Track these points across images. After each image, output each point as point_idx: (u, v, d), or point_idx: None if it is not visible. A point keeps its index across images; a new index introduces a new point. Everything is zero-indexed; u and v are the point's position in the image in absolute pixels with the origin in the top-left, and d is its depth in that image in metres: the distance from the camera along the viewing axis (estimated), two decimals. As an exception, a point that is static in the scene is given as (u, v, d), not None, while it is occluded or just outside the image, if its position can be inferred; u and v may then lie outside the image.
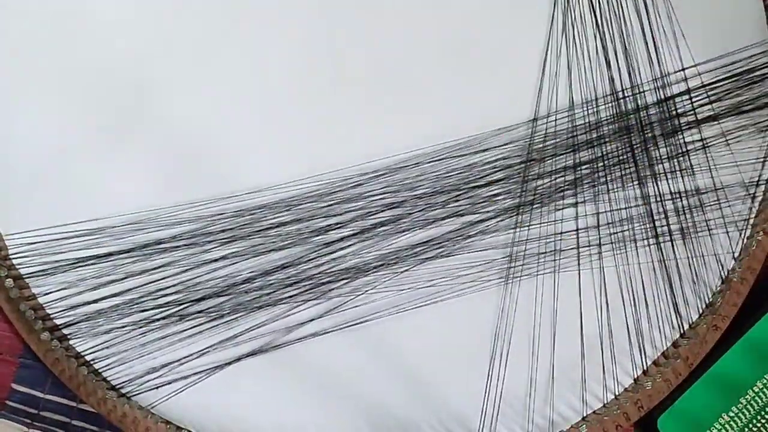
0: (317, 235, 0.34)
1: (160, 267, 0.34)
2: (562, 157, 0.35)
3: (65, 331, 0.34)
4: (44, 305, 0.34)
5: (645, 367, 0.35)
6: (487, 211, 0.35)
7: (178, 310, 0.34)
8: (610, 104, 0.35)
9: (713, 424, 0.34)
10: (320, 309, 0.34)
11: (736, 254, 0.36)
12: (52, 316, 0.34)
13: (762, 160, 0.36)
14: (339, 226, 0.34)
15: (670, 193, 0.35)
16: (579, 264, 0.35)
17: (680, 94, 0.36)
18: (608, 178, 0.35)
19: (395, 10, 0.36)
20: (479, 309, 0.34)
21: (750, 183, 0.36)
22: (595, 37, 0.36)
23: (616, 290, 0.35)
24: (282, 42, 0.35)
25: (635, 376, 0.35)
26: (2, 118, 0.35)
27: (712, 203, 0.36)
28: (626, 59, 0.35)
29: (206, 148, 0.35)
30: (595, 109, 0.35)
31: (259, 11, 0.35)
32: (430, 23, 0.36)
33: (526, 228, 0.35)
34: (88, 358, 0.34)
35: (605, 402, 0.34)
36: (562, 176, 0.35)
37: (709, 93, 0.36)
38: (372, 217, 0.35)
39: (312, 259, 0.34)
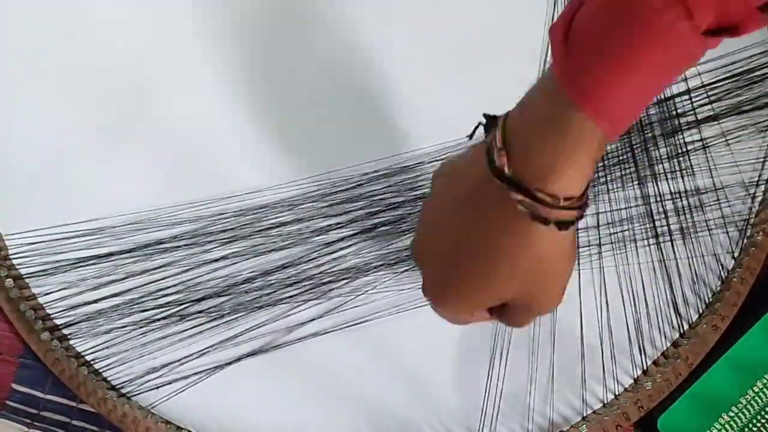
0: (317, 235, 0.34)
1: (160, 267, 0.34)
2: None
3: (65, 331, 0.34)
4: (44, 305, 0.34)
5: (645, 367, 0.35)
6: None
7: (179, 310, 0.34)
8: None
9: (713, 423, 0.34)
10: (320, 309, 0.34)
11: (736, 254, 0.36)
12: (52, 316, 0.34)
13: (762, 160, 0.36)
14: (339, 226, 0.34)
15: (670, 193, 0.35)
16: (579, 264, 0.35)
17: (680, 94, 0.36)
18: (608, 178, 0.35)
19: (395, 11, 0.36)
20: (479, 309, 0.34)
21: (750, 183, 0.36)
22: (595, 37, 0.36)
23: (616, 290, 0.35)
24: (282, 42, 0.35)
25: (635, 376, 0.35)
26: (2, 118, 0.35)
27: (712, 203, 0.36)
28: (626, 59, 0.35)
29: (206, 148, 0.35)
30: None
31: (259, 11, 0.35)
32: (430, 23, 0.36)
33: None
34: (88, 358, 0.34)
35: (605, 402, 0.34)
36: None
37: (709, 93, 0.36)
38: (372, 217, 0.35)
39: (312, 259, 0.34)
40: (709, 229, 0.35)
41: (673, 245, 0.35)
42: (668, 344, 0.35)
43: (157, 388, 0.33)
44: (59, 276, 0.34)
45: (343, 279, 0.34)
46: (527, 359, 0.34)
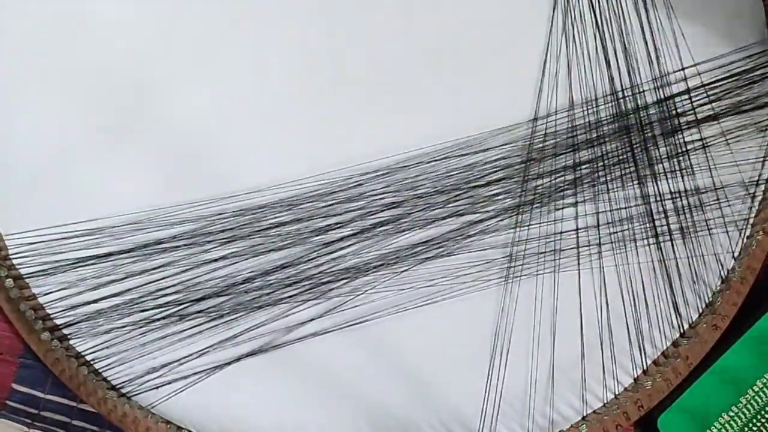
0: (317, 235, 0.34)
1: (160, 267, 0.34)
2: (562, 156, 0.35)
3: (65, 331, 0.34)
4: (44, 305, 0.34)
5: (645, 367, 0.35)
6: (487, 211, 0.35)
7: (178, 310, 0.34)
8: (609, 104, 0.35)
9: (713, 423, 0.34)
10: (320, 309, 0.34)
11: (736, 254, 0.36)
12: (52, 316, 0.34)
13: (762, 159, 0.36)
14: (339, 226, 0.34)
15: (670, 192, 0.35)
16: (579, 264, 0.35)
17: (680, 93, 0.36)
18: (608, 178, 0.35)
19: (395, 11, 0.36)
20: (479, 308, 0.34)
21: (750, 183, 0.36)
22: (595, 37, 0.36)
23: (616, 290, 0.35)
24: (282, 42, 0.35)
25: (635, 376, 0.35)
26: (2, 118, 0.35)
27: (712, 203, 0.36)
28: (626, 59, 0.35)
29: (206, 148, 0.35)
30: (595, 109, 0.35)
31: (259, 11, 0.35)
32: (430, 23, 0.36)
33: (526, 228, 0.35)
34: (88, 358, 0.34)
35: (605, 401, 0.34)
36: (562, 176, 0.35)
37: (709, 93, 0.36)
38: (372, 216, 0.35)
39: (312, 259, 0.34)
40: (709, 229, 0.35)
41: (673, 245, 0.35)
42: (668, 344, 0.35)
43: (157, 388, 0.33)
44: (59, 276, 0.34)
45: (343, 279, 0.34)
46: (527, 359, 0.34)
